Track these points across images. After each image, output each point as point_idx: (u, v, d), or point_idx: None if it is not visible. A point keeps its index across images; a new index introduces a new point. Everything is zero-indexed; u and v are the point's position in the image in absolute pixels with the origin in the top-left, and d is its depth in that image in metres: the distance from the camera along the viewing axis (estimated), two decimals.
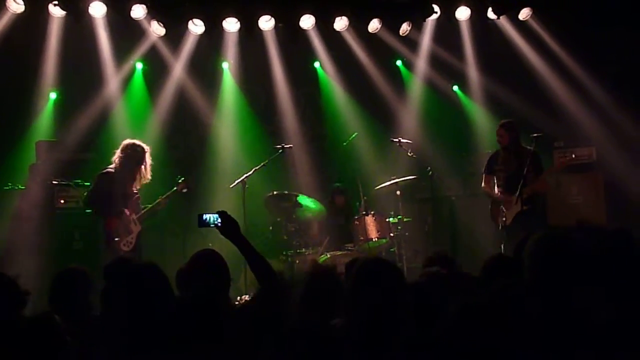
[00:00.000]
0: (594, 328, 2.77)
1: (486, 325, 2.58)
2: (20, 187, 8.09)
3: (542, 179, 7.64)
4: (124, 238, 7.20)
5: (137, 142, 7.41)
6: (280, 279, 3.71)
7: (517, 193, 7.35)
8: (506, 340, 2.59)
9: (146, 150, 7.38)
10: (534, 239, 3.09)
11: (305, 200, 8.41)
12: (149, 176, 7.37)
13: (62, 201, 7.97)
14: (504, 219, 7.55)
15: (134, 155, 7.29)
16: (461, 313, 2.65)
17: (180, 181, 7.64)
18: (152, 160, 7.58)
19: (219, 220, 3.59)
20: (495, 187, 7.84)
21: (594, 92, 9.15)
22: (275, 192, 8.36)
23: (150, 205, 7.52)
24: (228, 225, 3.59)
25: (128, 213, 7.26)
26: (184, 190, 7.63)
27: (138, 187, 7.43)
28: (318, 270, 3.77)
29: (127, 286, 3.27)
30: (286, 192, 8.44)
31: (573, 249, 2.98)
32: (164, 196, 7.56)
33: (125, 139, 7.57)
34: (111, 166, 7.31)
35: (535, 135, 7.57)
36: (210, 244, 7.71)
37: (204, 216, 3.63)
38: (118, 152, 7.33)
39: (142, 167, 7.34)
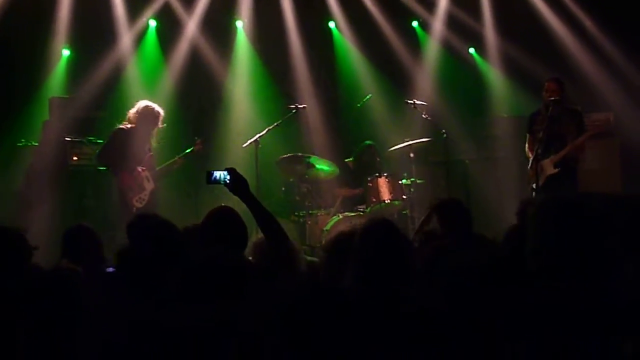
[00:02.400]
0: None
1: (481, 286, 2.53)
2: (33, 143, 8.12)
3: (580, 142, 7.22)
4: (137, 194, 7.19)
5: (154, 105, 7.37)
6: (289, 240, 3.68)
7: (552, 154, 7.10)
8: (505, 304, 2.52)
9: (161, 113, 7.35)
10: (540, 201, 2.76)
11: (318, 162, 8.36)
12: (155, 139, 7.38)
13: (74, 158, 8.00)
14: (534, 184, 7.12)
15: (149, 118, 7.25)
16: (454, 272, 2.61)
17: (198, 141, 7.64)
18: (165, 119, 7.55)
19: (228, 177, 3.56)
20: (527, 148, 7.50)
21: (614, 57, 8.98)
22: (287, 155, 8.30)
23: (166, 164, 7.53)
24: (237, 183, 3.56)
25: (141, 170, 7.26)
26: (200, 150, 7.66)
27: (150, 147, 7.43)
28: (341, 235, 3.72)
29: (148, 243, 3.26)
30: (299, 154, 8.38)
31: (591, 214, 2.52)
32: (181, 155, 7.55)
33: (138, 97, 7.57)
34: (126, 124, 7.26)
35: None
36: (222, 204, 7.73)
37: (214, 173, 3.60)
38: (134, 111, 7.28)
39: (155, 129, 7.33)
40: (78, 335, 2.65)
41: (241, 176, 3.57)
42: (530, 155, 7.37)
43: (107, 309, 2.89)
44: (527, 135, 7.57)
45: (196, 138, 7.69)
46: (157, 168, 7.46)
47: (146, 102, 7.37)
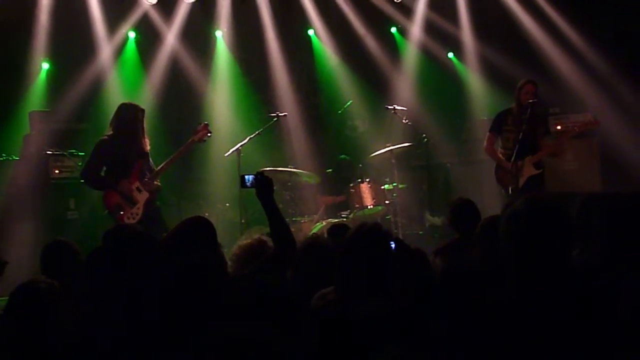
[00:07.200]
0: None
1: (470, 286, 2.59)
2: (14, 157, 8.07)
3: (560, 141, 7.31)
4: (129, 210, 6.63)
5: (131, 102, 6.89)
6: (296, 250, 3.73)
7: (528, 156, 7.07)
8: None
9: (139, 108, 6.79)
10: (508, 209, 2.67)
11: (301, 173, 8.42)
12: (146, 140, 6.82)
13: (56, 171, 7.96)
14: (512, 185, 7.02)
15: (128, 115, 6.70)
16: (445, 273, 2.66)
17: (201, 125, 6.87)
18: (146, 129, 7.39)
19: (252, 180, 3.69)
20: (499, 148, 7.40)
21: (590, 58, 9.08)
22: (270, 168, 8.21)
23: (165, 161, 6.83)
24: (263, 186, 3.65)
25: (130, 182, 6.66)
26: (209, 135, 6.85)
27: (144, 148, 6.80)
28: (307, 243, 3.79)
29: (114, 255, 3.27)
30: (280, 168, 8.34)
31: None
32: (182, 147, 6.87)
33: None
34: (107, 133, 6.74)
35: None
36: (206, 214, 7.75)
37: (245, 177, 3.74)
38: (113, 115, 6.79)
39: (141, 125, 6.75)
40: (51, 344, 2.68)
41: (265, 180, 3.66)
42: (492, 155, 7.36)
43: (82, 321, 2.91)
44: (489, 133, 7.46)
45: (199, 123, 6.98)
46: (157, 168, 6.83)
47: (123, 103, 6.89)
